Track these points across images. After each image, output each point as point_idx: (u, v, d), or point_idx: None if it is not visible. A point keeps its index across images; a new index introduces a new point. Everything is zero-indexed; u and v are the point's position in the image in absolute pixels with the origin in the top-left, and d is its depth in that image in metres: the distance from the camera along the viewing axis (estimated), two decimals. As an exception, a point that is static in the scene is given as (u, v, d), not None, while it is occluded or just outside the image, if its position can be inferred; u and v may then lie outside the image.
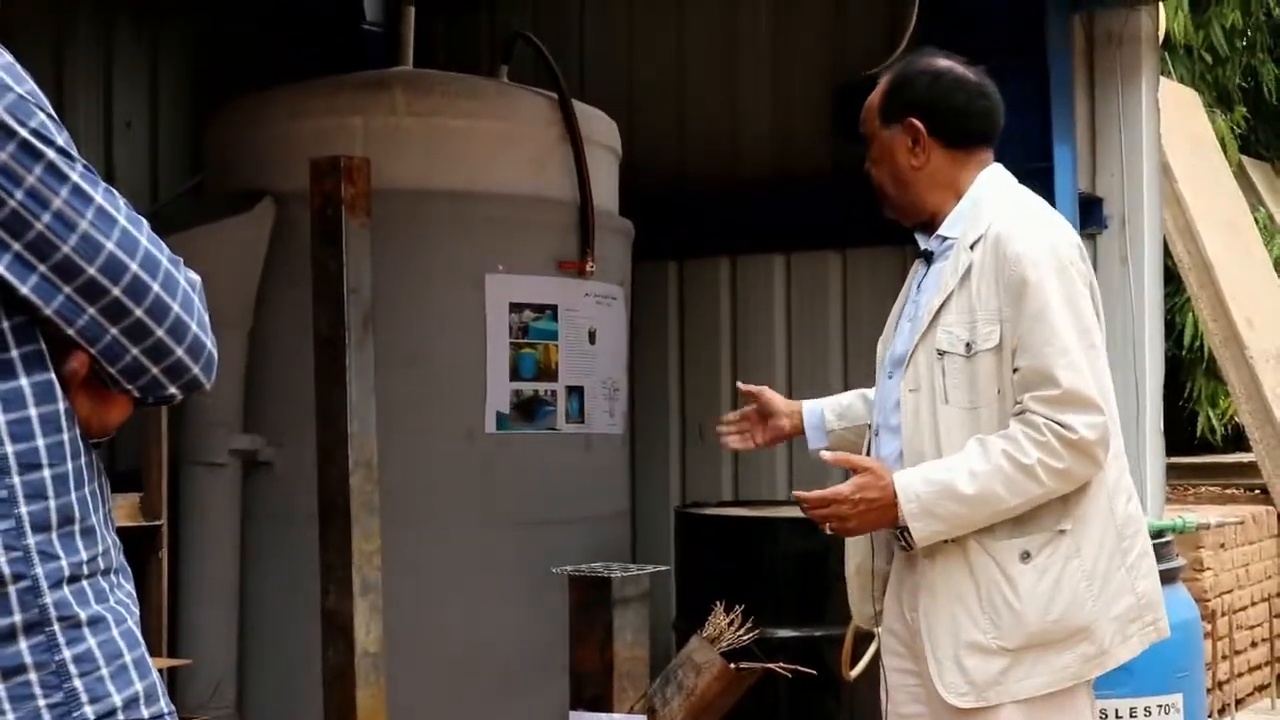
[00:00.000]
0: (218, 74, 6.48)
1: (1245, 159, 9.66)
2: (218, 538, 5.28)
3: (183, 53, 6.57)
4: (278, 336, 5.17)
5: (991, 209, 3.40)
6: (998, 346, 3.26)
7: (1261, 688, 7.73)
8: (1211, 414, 9.07)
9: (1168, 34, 7.35)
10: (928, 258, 3.50)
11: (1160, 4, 6.28)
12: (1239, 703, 7.37)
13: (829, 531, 3.41)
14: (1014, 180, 3.55)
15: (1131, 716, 3.66)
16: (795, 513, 5.49)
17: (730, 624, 4.36)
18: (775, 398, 3.80)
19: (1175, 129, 7.30)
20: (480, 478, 5.30)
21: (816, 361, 6.79)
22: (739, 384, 3.93)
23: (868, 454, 3.56)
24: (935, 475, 3.22)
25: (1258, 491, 8.55)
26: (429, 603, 4.93)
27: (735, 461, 6.89)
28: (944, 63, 3.53)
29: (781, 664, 4.39)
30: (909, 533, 3.29)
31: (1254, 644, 7.79)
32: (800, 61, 6.83)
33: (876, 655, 3.98)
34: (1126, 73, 6.04)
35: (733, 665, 4.33)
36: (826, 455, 3.51)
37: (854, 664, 4.03)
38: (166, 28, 6.49)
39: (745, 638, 4.35)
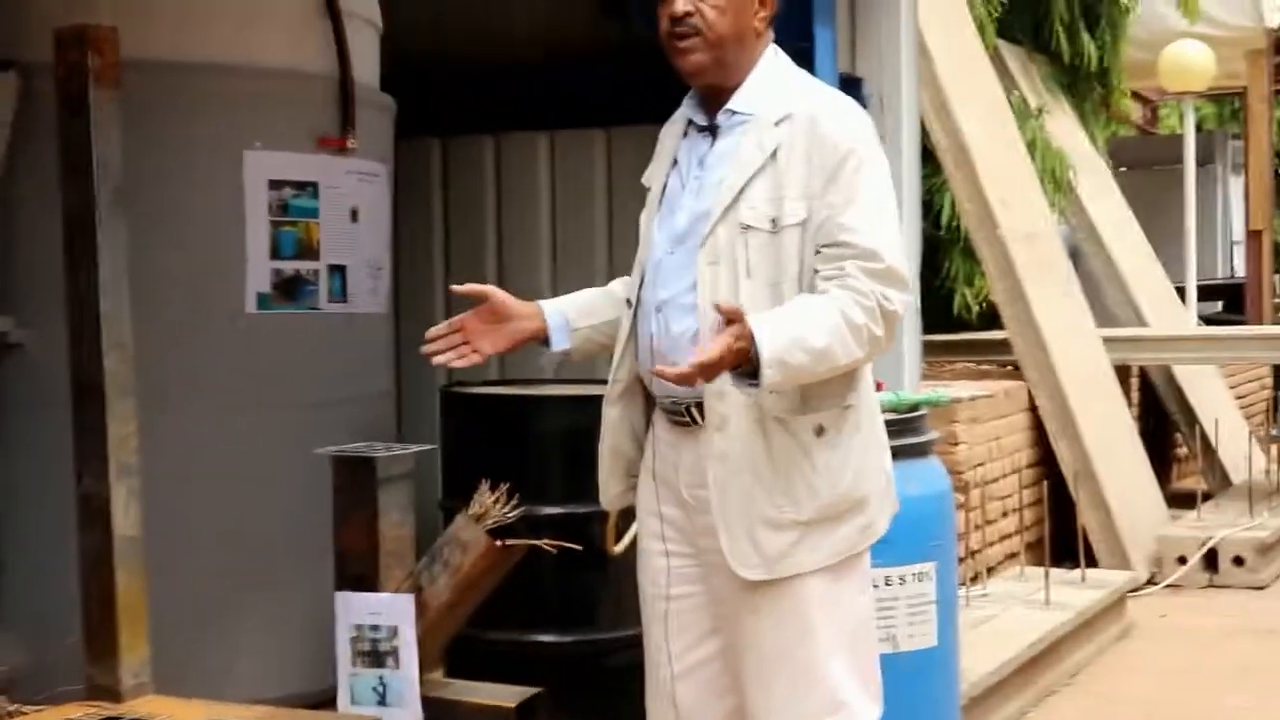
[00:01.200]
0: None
1: (1001, 42, 9.83)
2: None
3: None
4: (25, 213, 4.99)
5: (791, 89, 3.42)
6: (803, 223, 3.28)
7: (1012, 555, 7.98)
8: (967, 293, 9.27)
9: (927, -84, 7.45)
10: (712, 131, 3.46)
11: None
12: (990, 570, 7.60)
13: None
14: (794, 66, 3.54)
15: (888, 584, 3.76)
16: (561, 391, 5.55)
17: (496, 502, 4.37)
18: (508, 299, 3.66)
19: (934, 12, 7.38)
20: (243, 359, 5.20)
21: (582, 240, 6.80)
22: (453, 287, 3.80)
23: (632, 333, 3.55)
24: (788, 324, 3.14)
25: (1010, 367, 8.79)
26: (192, 487, 4.84)
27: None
28: None
29: (547, 540, 4.42)
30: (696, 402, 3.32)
31: (1005, 514, 8.04)
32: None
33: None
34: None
35: (498, 542, 4.34)
36: (562, 347, 3.62)
37: (619, 539, 4.05)
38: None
39: (511, 515, 4.36)
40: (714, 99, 3.47)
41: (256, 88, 5.27)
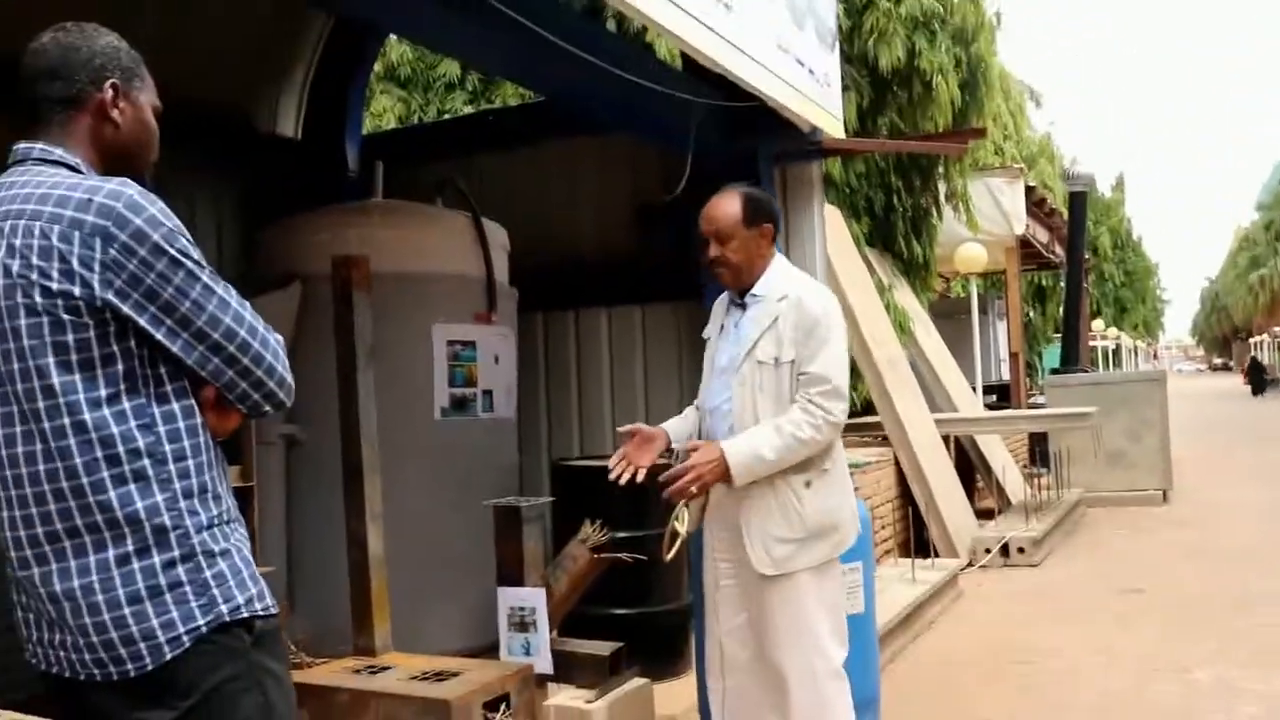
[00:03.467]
0: (258, 207, 6.30)
1: (868, 249, 9.91)
2: (275, 492, 5.10)
3: (237, 197, 6.35)
4: (304, 365, 4.98)
5: (785, 281, 3.44)
6: (791, 361, 3.32)
7: (888, 552, 7.93)
8: (854, 394, 9.23)
9: (827, 174, 7.55)
10: (743, 306, 3.48)
11: (824, 160, 6.41)
12: (878, 562, 7.55)
13: (690, 494, 3.33)
14: (788, 265, 3.58)
15: (841, 575, 3.69)
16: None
17: (593, 530, 4.34)
18: (645, 429, 3.55)
19: (831, 233, 7.43)
20: (436, 447, 5.21)
21: (628, 376, 6.81)
22: (619, 429, 3.62)
23: (700, 435, 3.54)
24: (749, 448, 3.23)
25: (882, 439, 8.76)
26: (411, 525, 4.80)
27: (580, 431, 6.87)
28: (763, 192, 3.57)
29: (624, 554, 4.38)
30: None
31: (884, 527, 7.99)
32: (613, 194, 6.83)
33: (682, 545, 3.97)
34: (805, 200, 6.14)
35: (595, 555, 4.31)
36: (676, 446, 3.48)
37: (669, 551, 4.01)
38: (226, 184, 6.28)
39: (602, 539, 4.33)
40: (741, 289, 3.48)
41: (440, 286, 5.33)
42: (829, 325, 3.35)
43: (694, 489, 3.29)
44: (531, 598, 4.24)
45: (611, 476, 3.48)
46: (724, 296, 3.65)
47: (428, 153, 7.27)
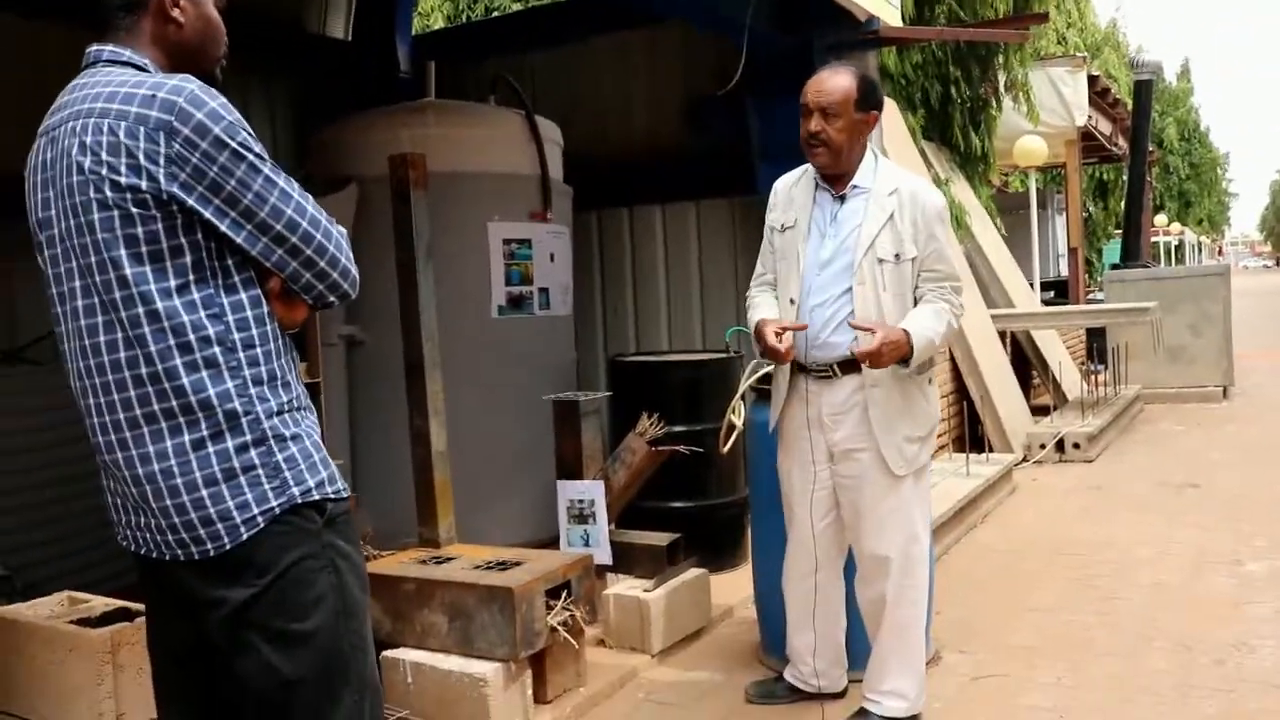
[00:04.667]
0: (311, 110, 6.31)
1: (925, 142, 9.70)
2: (337, 392, 5.19)
3: (289, 99, 6.36)
4: (363, 268, 5.02)
5: (893, 174, 3.37)
6: (913, 259, 3.29)
7: (943, 447, 7.91)
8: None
9: (882, 65, 7.38)
10: (841, 198, 3.38)
11: (880, 50, 6.26)
12: (933, 457, 7.55)
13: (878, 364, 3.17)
14: (884, 156, 3.48)
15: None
16: (682, 357, 5.55)
17: (651, 424, 4.39)
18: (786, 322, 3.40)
19: (889, 126, 7.29)
20: (492, 344, 5.26)
21: (683, 273, 6.80)
22: (774, 330, 3.30)
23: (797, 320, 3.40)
24: (926, 333, 3.21)
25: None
26: (474, 420, 4.88)
27: (636, 328, 6.91)
28: (876, 80, 3.45)
29: (681, 446, 4.44)
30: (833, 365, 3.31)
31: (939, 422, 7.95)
32: (666, 89, 6.75)
33: (738, 438, 4.00)
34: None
35: (653, 449, 4.36)
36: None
37: (726, 444, 4.06)
38: (278, 87, 6.29)
39: (659, 432, 4.38)
40: (835, 179, 3.37)
41: (496, 185, 5.33)
42: (945, 221, 3.34)
43: (882, 363, 3.17)
44: (590, 490, 4.33)
45: (769, 342, 3.29)
46: (798, 183, 3.51)
47: (478, 51, 7.21)
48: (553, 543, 4.52)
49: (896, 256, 3.26)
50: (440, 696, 3.48)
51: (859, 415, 3.33)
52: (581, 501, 4.35)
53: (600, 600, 4.15)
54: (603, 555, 4.28)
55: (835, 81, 3.27)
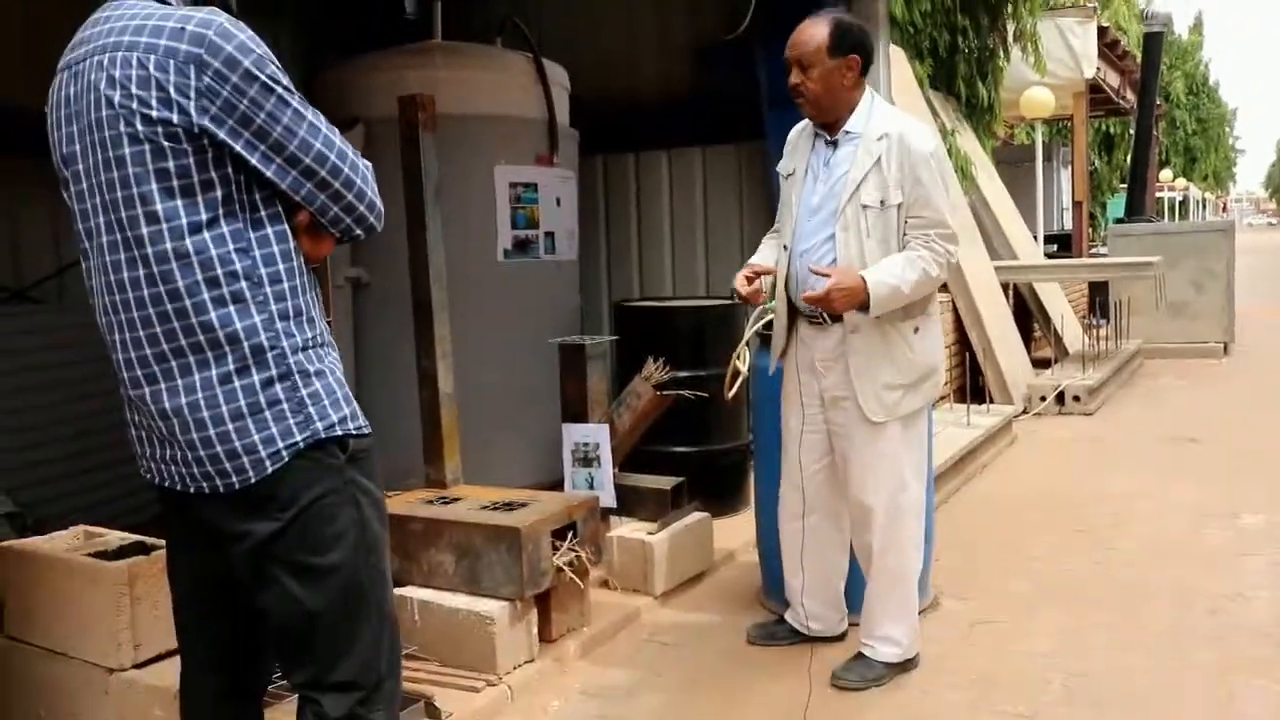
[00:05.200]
0: (315, 49, 6.27)
1: (931, 91, 9.65)
2: (343, 334, 5.20)
3: (294, 38, 6.32)
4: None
5: (884, 118, 3.34)
6: (899, 205, 3.27)
7: (944, 398, 7.97)
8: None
9: (890, 13, 7.32)
10: (834, 144, 3.39)
11: (889, -3, 6.23)
12: (934, 407, 7.60)
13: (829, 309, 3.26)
14: (885, 101, 3.46)
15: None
16: (687, 302, 5.57)
17: (656, 369, 4.42)
18: (759, 264, 3.52)
19: (896, 76, 7.24)
20: (499, 288, 5.27)
21: (688, 218, 6.79)
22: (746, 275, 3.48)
23: (788, 276, 3.47)
24: (889, 280, 3.20)
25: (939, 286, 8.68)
26: (479, 363, 4.89)
27: (640, 273, 6.92)
28: (856, 21, 3.38)
29: (686, 391, 4.48)
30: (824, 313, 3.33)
31: (939, 373, 8.00)
32: (674, 33, 6.70)
33: (743, 384, 4.05)
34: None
35: (658, 393, 4.40)
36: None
37: (731, 390, 4.09)
38: (283, 24, 6.24)
39: (665, 377, 4.42)
40: (828, 126, 3.39)
41: (503, 128, 5.31)
42: (937, 165, 3.28)
43: (835, 308, 3.24)
44: (595, 433, 4.37)
45: (737, 286, 3.42)
46: (804, 130, 3.53)
47: (486, -8, 7.15)
48: (557, 486, 4.56)
49: (882, 203, 3.27)
50: (447, 634, 3.54)
51: (845, 363, 3.40)
52: (586, 445, 4.39)
53: (604, 542, 4.21)
54: (607, 498, 4.33)
55: (808, 33, 3.30)
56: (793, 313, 3.53)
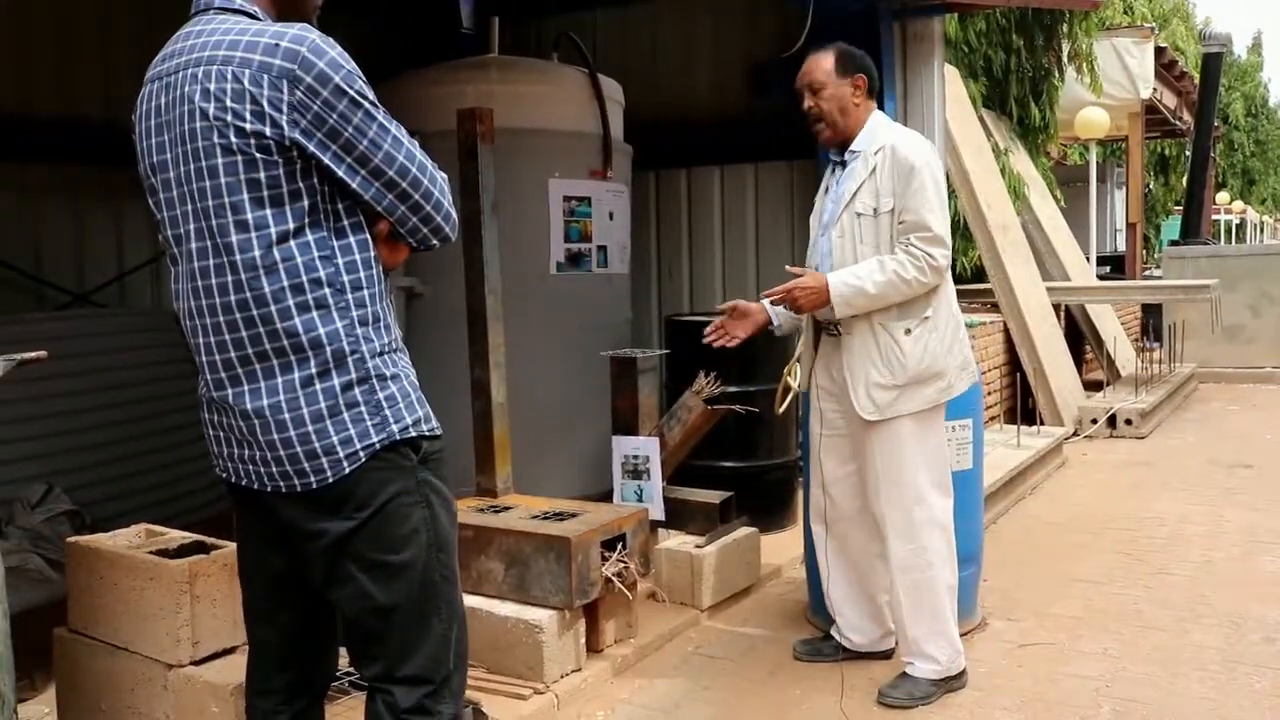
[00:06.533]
0: (373, 64, 6.38)
1: (984, 111, 9.67)
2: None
3: (349, 51, 6.43)
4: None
5: (883, 133, 3.51)
6: (891, 210, 3.41)
7: (994, 418, 7.97)
8: (964, 259, 9.12)
9: (944, 33, 7.35)
10: (844, 163, 3.58)
11: (944, 16, 6.26)
12: (984, 426, 7.60)
13: (795, 307, 3.48)
14: (889, 119, 3.62)
15: (950, 430, 3.78)
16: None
17: (706, 383, 4.47)
18: (745, 304, 3.70)
19: (949, 91, 7.28)
20: (550, 301, 5.35)
21: (739, 234, 6.85)
22: (719, 306, 3.81)
23: None
24: (851, 280, 3.37)
25: (991, 306, 8.70)
26: (530, 374, 4.96)
27: (691, 288, 6.98)
28: (858, 49, 3.61)
29: (736, 406, 4.52)
30: (837, 322, 3.48)
31: (991, 393, 8.00)
32: (729, 51, 6.77)
33: (794, 400, 4.11)
34: (925, 57, 6.03)
35: (710, 407, 4.45)
36: (768, 293, 3.57)
37: (781, 405, 4.14)
38: (336, 37, 6.36)
39: (716, 391, 4.46)
40: (840, 145, 3.60)
41: (558, 142, 5.38)
42: (926, 172, 3.41)
43: (787, 307, 3.48)
44: (645, 446, 4.42)
45: (705, 341, 3.67)
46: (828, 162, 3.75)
47: (541, 8, 7.24)
48: (605, 498, 4.61)
49: (875, 210, 3.44)
50: (495, 642, 3.60)
51: (840, 363, 3.55)
52: (636, 457, 4.44)
53: (653, 554, 4.26)
54: (656, 511, 4.37)
55: (815, 61, 3.57)
56: (816, 325, 3.69)
